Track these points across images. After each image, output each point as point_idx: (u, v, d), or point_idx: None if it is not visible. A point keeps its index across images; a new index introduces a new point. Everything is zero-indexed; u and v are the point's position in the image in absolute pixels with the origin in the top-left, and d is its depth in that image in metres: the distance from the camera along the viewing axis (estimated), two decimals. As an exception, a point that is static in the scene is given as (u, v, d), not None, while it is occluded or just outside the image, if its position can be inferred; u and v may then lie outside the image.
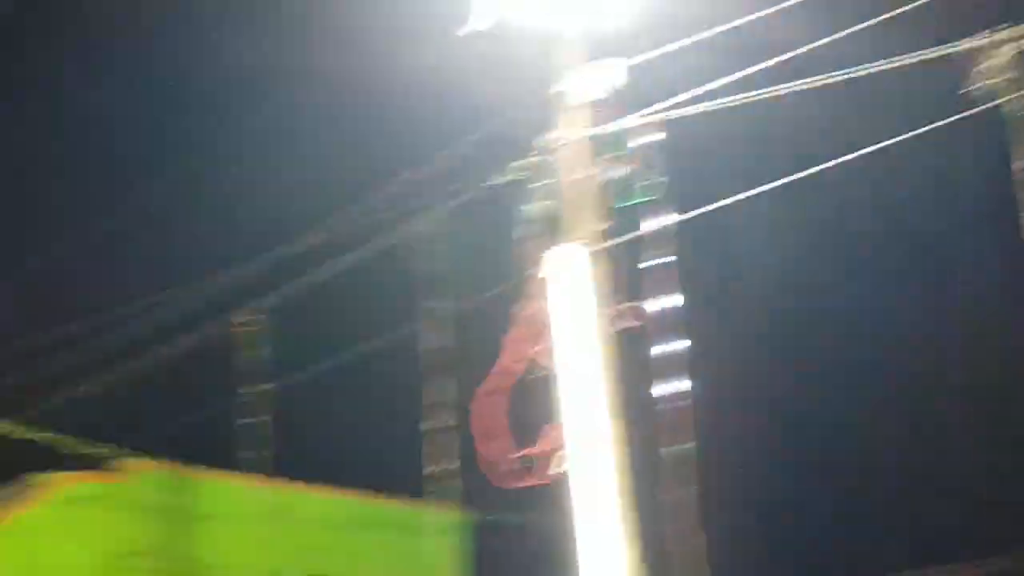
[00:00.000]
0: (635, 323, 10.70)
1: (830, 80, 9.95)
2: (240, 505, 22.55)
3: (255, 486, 22.32)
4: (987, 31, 9.70)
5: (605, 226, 10.67)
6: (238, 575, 21.98)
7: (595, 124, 10.85)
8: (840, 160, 9.89)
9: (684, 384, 10.82)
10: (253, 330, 13.05)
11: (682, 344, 10.85)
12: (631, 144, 10.72)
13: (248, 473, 21.91)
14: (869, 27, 9.64)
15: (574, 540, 10.28)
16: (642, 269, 10.72)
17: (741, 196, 10.42)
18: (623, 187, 10.72)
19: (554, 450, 10.44)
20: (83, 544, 20.91)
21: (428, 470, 13.37)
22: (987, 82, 9.57)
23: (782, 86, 9.95)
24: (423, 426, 12.64)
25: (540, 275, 10.58)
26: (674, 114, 10.57)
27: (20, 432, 15.97)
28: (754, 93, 10.21)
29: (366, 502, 24.46)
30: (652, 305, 10.72)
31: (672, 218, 10.71)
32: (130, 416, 17.06)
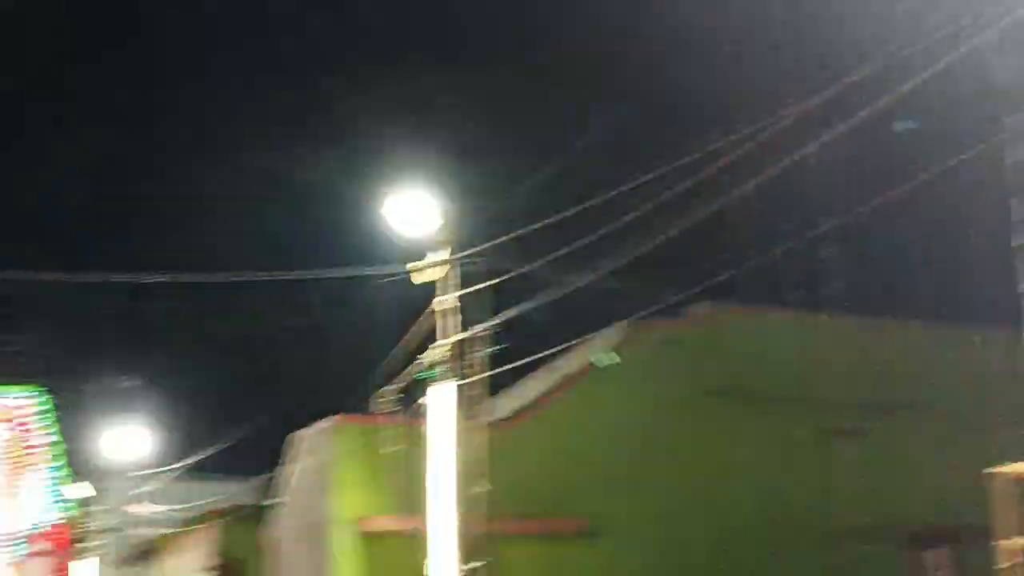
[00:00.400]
0: None
1: None
2: (811, 340, 22.81)
3: (826, 321, 22.53)
4: None
5: None
6: (810, 409, 22.34)
7: None
8: None
9: None
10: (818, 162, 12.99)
11: None
12: None
13: (825, 308, 22.11)
14: None
15: None
16: None
17: None
18: None
19: None
20: (669, 384, 22.02)
21: (1020, 288, 12.88)
22: None
23: None
24: (1013, 243, 12.17)
25: None
26: None
27: (612, 282, 16.94)
28: None
29: (939, 329, 24.00)
30: None
31: None
32: (709, 260, 17.57)
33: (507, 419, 21.53)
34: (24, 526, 27.27)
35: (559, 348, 20.40)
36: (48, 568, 26.88)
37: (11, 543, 27.28)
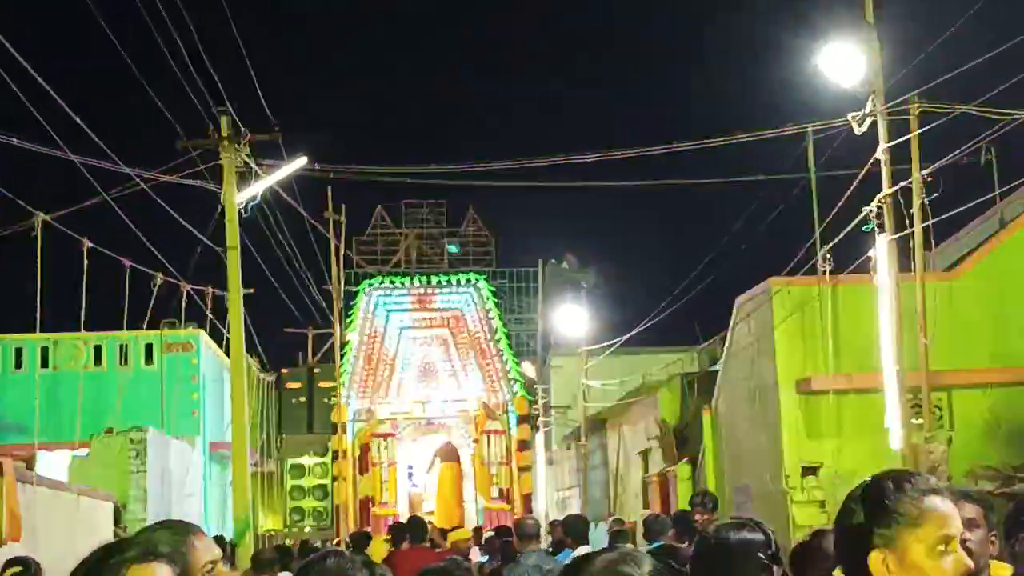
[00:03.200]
0: None
1: None
2: None
3: None
4: None
5: None
6: None
7: None
8: None
9: None
10: None
11: None
12: None
13: None
14: None
15: None
16: None
17: None
18: None
19: None
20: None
21: None
22: None
23: None
24: None
25: None
26: None
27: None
28: None
29: None
30: None
31: None
32: None
33: (949, 268, 21.04)
34: (477, 403, 28.82)
35: (1002, 191, 19.73)
36: (501, 444, 28.29)
37: (465, 421, 28.93)
